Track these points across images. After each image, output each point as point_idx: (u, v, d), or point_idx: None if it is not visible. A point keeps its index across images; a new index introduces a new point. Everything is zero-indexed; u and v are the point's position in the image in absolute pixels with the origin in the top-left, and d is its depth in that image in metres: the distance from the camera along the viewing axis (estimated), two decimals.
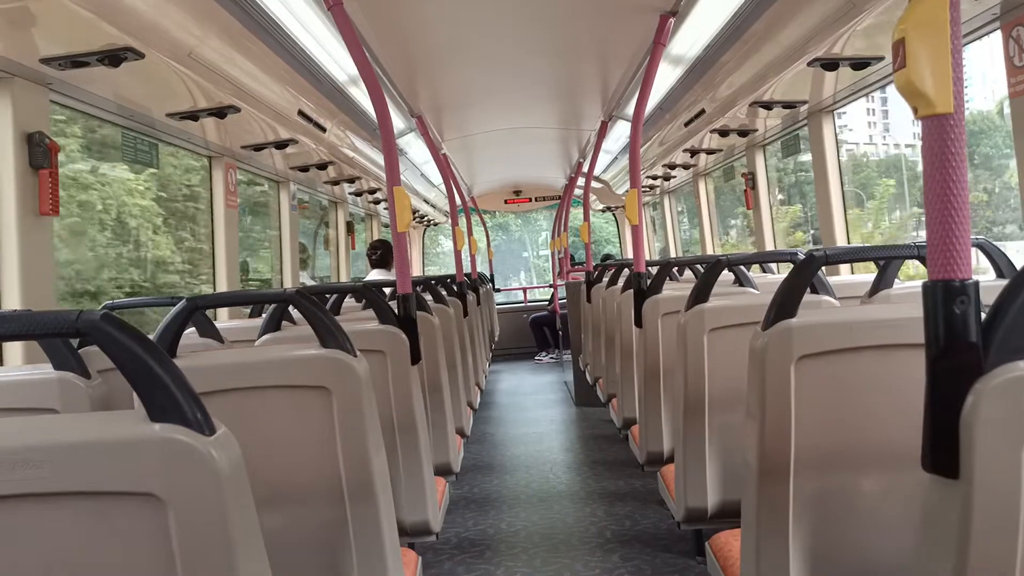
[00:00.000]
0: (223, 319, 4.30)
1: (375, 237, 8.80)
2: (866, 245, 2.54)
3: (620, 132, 6.53)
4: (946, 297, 1.00)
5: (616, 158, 7.98)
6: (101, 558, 1.03)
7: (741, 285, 3.61)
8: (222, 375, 1.81)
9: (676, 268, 4.80)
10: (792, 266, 1.92)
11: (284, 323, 2.82)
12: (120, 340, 1.04)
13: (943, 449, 1.01)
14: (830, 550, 1.80)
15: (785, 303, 1.79)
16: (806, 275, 1.84)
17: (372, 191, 7.24)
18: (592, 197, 7.09)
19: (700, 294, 2.70)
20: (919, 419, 1.76)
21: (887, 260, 2.57)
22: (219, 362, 1.87)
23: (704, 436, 2.69)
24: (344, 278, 7.79)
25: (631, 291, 4.02)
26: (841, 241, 4.49)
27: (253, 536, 1.09)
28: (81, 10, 2.29)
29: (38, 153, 2.71)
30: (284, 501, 1.83)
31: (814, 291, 2.41)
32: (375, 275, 6.44)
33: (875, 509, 1.79)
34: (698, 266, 4.35)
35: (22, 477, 1.00)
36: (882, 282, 2.59)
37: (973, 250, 1.02)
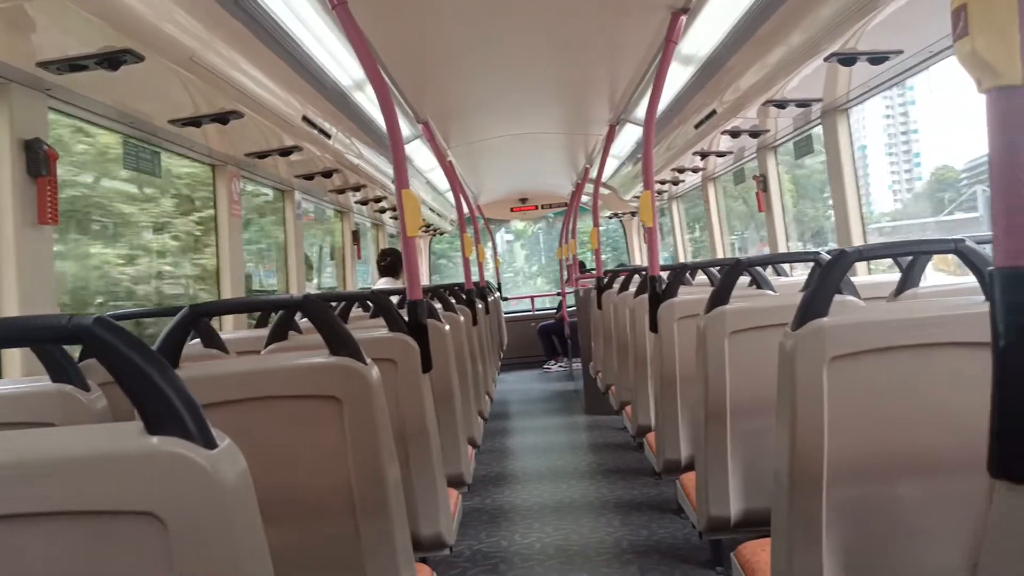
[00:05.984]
0: (228, 330, 4.23)
1: (381, 247, 8.73)
2: (901, 240, 2.46)
3: (628, 137, 6.45)
4: (1017, 285, 0.91)
5: (624, 163, 7.90)
6: None
7: (758, 287, 3.52)
8: (227, 385, 1.73)
9: (689, 272, 4.71)
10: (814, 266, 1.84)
11: (291, 333, 2.74)
12: (114, 345, 0.95)
13: (1013, 452, 0.92)
14: (867, 562, 1.71)
15: (815, 302, 1.71)
16: (838, 272, 1.76)
17: (378, 199, 7.17)
18: (599, 203, 7.01)
19: (720, 296, 2.61)
20: (960, 422, 1.68)
21: (914, 258, 2.49)
22: (224, 371, 1.79)
23: (726, 443, 2.60)
24: (350, 287, 7.73)
25: (644, 296, 3.93)
26: (858, 241, 4.39)
27: (260, 554, 1.01)
28: (80, 11, 2.22)
29: (36, 161, 2.64)
30: (293, 516, 1.74)
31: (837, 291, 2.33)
32: (383, 283, 6.38)
33: (915, 518, 1.70)
34: (712, 270, 4.27)
35: (12, 496, 0.92)
36: (908, 281, 2.51)
37: None
